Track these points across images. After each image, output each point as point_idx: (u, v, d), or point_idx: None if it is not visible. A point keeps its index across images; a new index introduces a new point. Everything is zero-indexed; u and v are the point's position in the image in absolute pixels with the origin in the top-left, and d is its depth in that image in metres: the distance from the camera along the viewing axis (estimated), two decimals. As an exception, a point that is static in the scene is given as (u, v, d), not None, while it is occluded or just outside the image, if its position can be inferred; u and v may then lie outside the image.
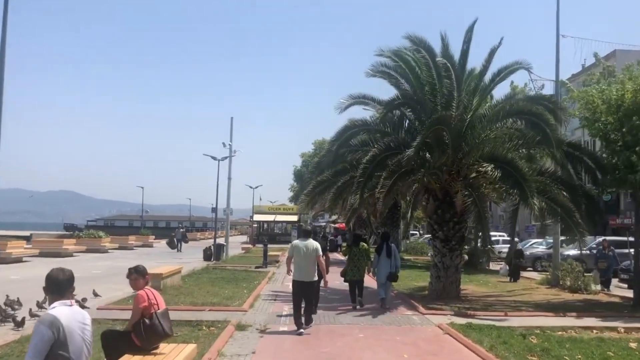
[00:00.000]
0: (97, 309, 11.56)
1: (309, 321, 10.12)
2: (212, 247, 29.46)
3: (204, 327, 9.78)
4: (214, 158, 31.63)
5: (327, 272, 10.78)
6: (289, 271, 10.39)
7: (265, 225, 64.34)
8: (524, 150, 14.72)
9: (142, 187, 67.84)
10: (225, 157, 30.76)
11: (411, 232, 46.07)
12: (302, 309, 9.98)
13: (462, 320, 11.02)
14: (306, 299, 10.03)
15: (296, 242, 10.38)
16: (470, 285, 17.78)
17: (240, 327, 9.85)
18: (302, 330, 9.76)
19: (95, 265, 24.43)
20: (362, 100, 15.56)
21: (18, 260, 24.63)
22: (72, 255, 29.89)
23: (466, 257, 18.65)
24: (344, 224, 52.27)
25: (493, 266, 26.94)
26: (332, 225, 57.38)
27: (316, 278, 10.19)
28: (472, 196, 13.52)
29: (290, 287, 10.61)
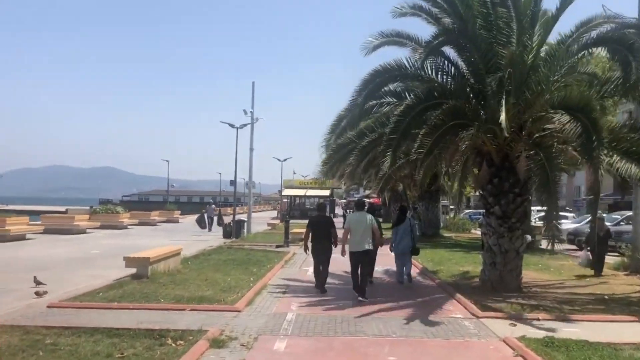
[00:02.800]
0: (48, 306, 8.84)
1: (364, 293, 10.48)
2: (231, 224, 26.79)
3: (169, 341, 6.91)
4: (231, 125, 28.75)
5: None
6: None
7: (297, 200, 61.66)
8: (607, 98, 11.22)
9: (167, 161, 66.07)
10: (245, 125, 27.89)
11: (450, 206, 42.50)
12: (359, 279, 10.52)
13: (536, 331, 7.85)
14: (363, 269, 10.66)
15: (352, 215, 11.18)
16: (528, 271, 14.40)
17: (218, 343, 6.91)
18: (360, 298, 10.31)
19: (99, 243, 22.06)
20: (396, 39, 12.13)
21: (19, 238, 22.47)
22: (84, 232, 27.75)
23: (529, 237, 15.15)
24: (379, 199, 49.17)
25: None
26: (367, 200, 54.33)
27: (371, 247, 10.74)
28: (540, 157, 10.23)
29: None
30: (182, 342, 6.89)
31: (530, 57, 11.04)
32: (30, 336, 6.94)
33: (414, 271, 14.83)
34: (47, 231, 26.20)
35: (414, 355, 6.76)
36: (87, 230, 28.49)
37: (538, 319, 8.68)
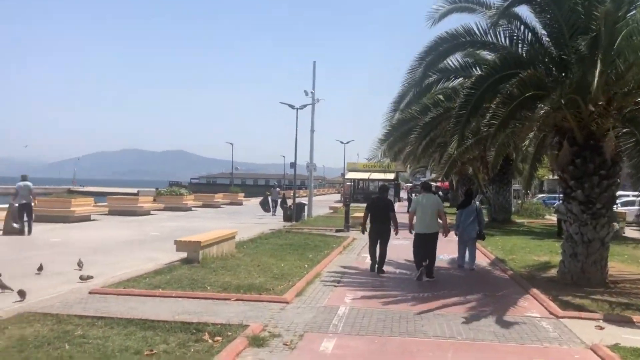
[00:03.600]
0: (90, 292, 8.45)
1: (430, 274, 10.51)
2: (292, 207, 26.25)
3: (206, 336, 6.26)
4: (291, 106, 28.06)
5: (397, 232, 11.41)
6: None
7: (361, 184, 60.69)
8: None
9: (232, 144, 66.66)
10: (305, 105, 27.14)
11: (522, 190, 40.23)
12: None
13: (630, 337, 6.66)
14: (429, 251, 10.57)
15: (418, 197, 11.25)
16: (613, 263, 12.83)
17: (258, 341, 6.18)
18: (427, 278, 10.37)
19: (161, 225, 22.06)
20: (464, 4, 10.86)
21: (84, 219, 22.84)
22: (148, 214, 28.05)
23: (617, 225, 13.58)
24: (446, 183, 47.33)
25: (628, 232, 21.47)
26: (433, 184, 52.64)
27: (437, 230, 10.61)
28: (635, 135, 8.85)
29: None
30: (219, 338, 6.22)
31: (624, 19, 9.58)
32: (62, 326, 6.47)
33: (484, 261, 13.69)
34: (112, 213, 26.62)
35: (482, 364, 5.77)
36: (152, 212, 28.79)
37: (632, 322, 7.44)
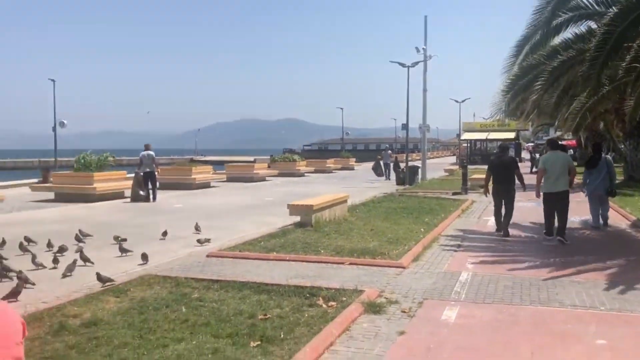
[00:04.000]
0: (207, 255, 8.57)
1: (563, 237, 9.77)
2: (404, 170, 25.56)
3: (320, 301, 6.01)
4: (401, 65, 27.02)
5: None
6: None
7: (478, 145, 58.18)
8: None
9: (342, 109, 66.57)
10: (417, 63, 26.03)
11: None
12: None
13: None
14: (560, 212, 9.93)
15: (546, 155, 10.64)
16: None
17: (374, 308, 5.82)
18: (559, 238, 9.68)
19: (275, 190, 22.45)
20: None
21: (204, 186, 23.82)
22: (263, 180, 28.75)
23: None
24: (574, 141, 43.86)
25: None
26: (561, 142, 49.17)
27: (567, 188, 10.04)
28: None
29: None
30: (333, 303, 5.95)
31: None
32: (179, 289, 6.54)
33: (624, 223, 12.33)
34: (230, 179, 27.56)
35: (636, 341, 4.99)
36: (267, 178, 29.46)
37: None
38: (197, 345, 4.75)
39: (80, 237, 9.81)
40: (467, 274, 7.41)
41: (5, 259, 7.80)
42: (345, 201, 13.64)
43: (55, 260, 7.91)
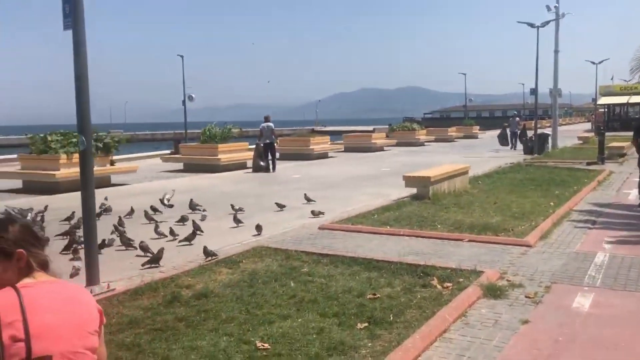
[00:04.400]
0: (319, 228, 8.46)
1: None
2: (532, 138, 23.86)
3: (435, 281, 5.62)
4: (530, 25, 24.93)
5: None
6: None
7: (617, 110, 53.02)
8: None
9: (464, 74, 63.41)
10: (548, 22, 23.91)
11: None
12: None
13: None
14: None
15: None
16: None
17: (494, 292, 5.31)
18: None
19: (392, 160, 21.99)
20: None
21: (322, 156, 23.96)
22: (381, 150, 28.35)
23: None
24: None
25: None
26: None
27: None
28: None
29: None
30: (449, 284, 5.53)
31: None
32: (289, 262, 6.46)
33: None
34: (347, 150, 27.50)
35: None
36: (385, 148, 29.03)
37: None
38: (303, 324, 4.60)
39: (196, 206, 10.23)
40: (604, 255, 6.60)
41: (124, 230, 8.15)
42: (467, 172, 12.91)
43: (172, 232, 8.16)
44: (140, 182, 16.06)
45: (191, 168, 19.11)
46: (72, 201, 11.71)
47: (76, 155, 14.38)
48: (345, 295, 5.25)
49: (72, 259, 6.62)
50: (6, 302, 1.73)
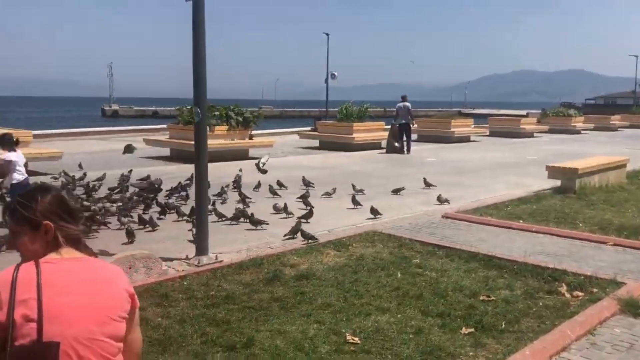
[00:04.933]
0: (442, 216, 7.91)
1: None
2: None
3: (563, 288, 4.90)
4: None
5: None
6: None
7: None
8: None
9: (636, 56, 56.41)
10: None
11: None
12: None
13: None
14: None
15: None
16: None
17: (635, 308, 4.47)
18: None
19: (541, 148, 20.26)
20: None
21: (464, 140, 22.81)
22: (531, 136, 26.36)
23: None
24: None
25: None
26: None
27: None
28: None
29: None
30: (579, 293, 4.79)
31: None
32: (402, 251, 6.06)
33: None
34: (492, 134, 25.92)
35: None
36: (535, 134, 26.98)
37: None
38: (401, 320, 4.23)
39: (309, 184, 10.15)
40: None
41: (245, 206, 8.27)
42: (624, 165, 11.43)
43: (284, 209, 8.07)
44: (278, 156, 16.46)
45: (326, 145, 19.20)
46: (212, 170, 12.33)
47: (217, 128, 15.16)
48: (455, 294, 4.77)
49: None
50: (24, 278, 1.60)
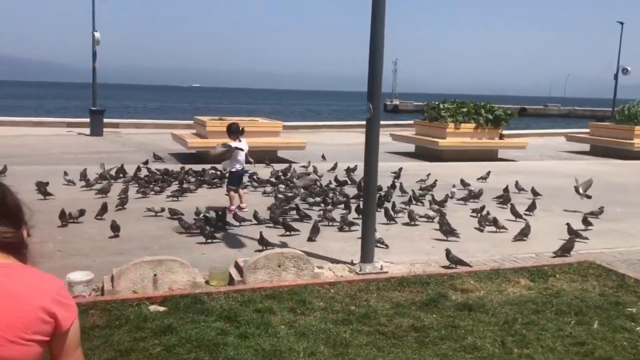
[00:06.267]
0: None
1: None
2: None
3: None
4: None
5: None
6: None
7: None
8: None
9: None
10: None
11: None
12: None
13: None
14: None
15: None
16: None
17: None
18: None
19: None
20: None
21: None
22: None
23: None
24: None
25: None
26: None
27: None
28: None
29: None
30: None
31: None
32: (619, 293, 4.65)
33: None
34: None
35: None
36: None
37: None
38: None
39: (537, 194, 8.69)
40: None
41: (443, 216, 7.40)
42: None
43: (494, 222, 6.95)
44: (530, 159, 14.82)
45: (599, 151, 16.61)
46: (446, 169, 11.68)
47: (463, 125, 14.34)
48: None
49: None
50: None
